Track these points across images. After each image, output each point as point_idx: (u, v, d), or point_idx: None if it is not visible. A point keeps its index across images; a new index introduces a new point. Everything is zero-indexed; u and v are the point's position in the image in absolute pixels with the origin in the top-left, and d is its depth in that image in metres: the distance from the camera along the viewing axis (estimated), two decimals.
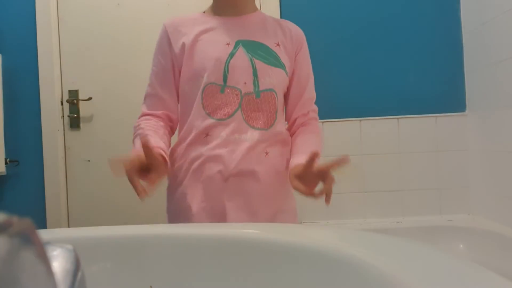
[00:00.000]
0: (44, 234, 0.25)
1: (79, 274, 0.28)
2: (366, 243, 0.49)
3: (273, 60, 1.04)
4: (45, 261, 0.23)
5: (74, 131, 2.15)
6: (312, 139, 1.07)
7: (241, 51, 1.02)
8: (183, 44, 1.03)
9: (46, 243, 0.25)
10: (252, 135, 1.01)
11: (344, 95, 2.08)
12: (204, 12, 1.13)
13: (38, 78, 2.11)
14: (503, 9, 1.73)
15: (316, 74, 2.26)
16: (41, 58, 2.11)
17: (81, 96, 2.14)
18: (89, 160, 2.14)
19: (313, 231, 0.58)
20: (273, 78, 1.03)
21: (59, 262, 0.27)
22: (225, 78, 1.01)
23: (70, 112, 2.13)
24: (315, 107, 1.17)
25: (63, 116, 2.14)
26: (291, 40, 1.09)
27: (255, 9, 1.13)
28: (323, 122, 2.07)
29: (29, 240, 0.22)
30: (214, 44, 1.02)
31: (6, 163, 2.08)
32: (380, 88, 2.08)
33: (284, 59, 1.06)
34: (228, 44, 1.02)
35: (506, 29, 1.72)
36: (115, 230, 0.59)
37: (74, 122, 2.14)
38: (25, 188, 2.13)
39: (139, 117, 1.08)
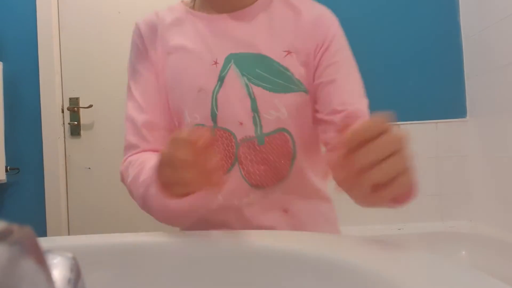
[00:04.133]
0: (44, 242, 0.25)
1: (80, 282, 0.28)
2: (367, 250, 0.48)
3: (281, 81, 0.72)
4: (45, 269, 0.23)
5: (75, 139, 2.15)
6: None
7: (233, 73, 0.72)
8: (161, 53, 0.77)
9: (46, 251, 0.25)
10: (255, 199, 0.74)
11: None
12: (182, 2, 0.83)
13: (38, 86, 2.11)
14: (502, 15, 1.73)
15: None
16: (42, 66, 2.11)
17: (81, 103, 2.14)
18: (89, 168, 2.14)
19: (312, 237, 0.58)
20: (284, 112, 0.72)
21: (59, 270, 0.27)
22: (214, 116, 0.72)
23: (71, 120, 2.13)
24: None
25: (63, 123, 2.15)
26: (311, 35, 0.74)
27: None
28: None
29: (29, 248, 0.22)
30: (195, 62, 0.74)
31: (6, 170, 2.08)
32: (380, 94, 2.08)
33: (300, 72, 0.73)
34: (216, 62, 0.73)
35: (505, 35, 1.73)
36: (115, 238, 0.58)
37: (75, 130, 2.15)
38: (26, 196, 2.12)
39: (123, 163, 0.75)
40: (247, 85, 0.72)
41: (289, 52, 0.73)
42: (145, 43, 0.78)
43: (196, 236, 0.59)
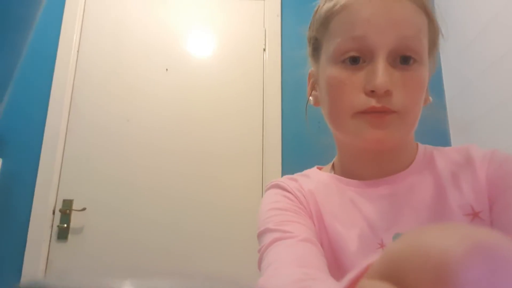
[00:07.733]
0: None
1: None
2: None
3: None
4: None
5: (60, 243, 2.06)
6: None
7: None
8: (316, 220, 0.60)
9: None
10: None
11: None
12: (319, 169, 0.69)
13: (34, 185, 2.08)
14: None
15: None
16: (42, 166, 2.10)
17: (75, 206, 2.10)
18: None
19: None
20: None
21: None
22: None
23: (61, 222, 2.07)
24: None
25: (52, 226, 2.07)
26: (484, 179, 0.56)
27: (410, 151, 0.63)
28: None
29: None
30: (352, 244, 0.56)
31: None
32: None
33: None
34: (381, 245, 0.55)
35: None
36: None
37: (62, 233, 2.06)
38: None
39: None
40: None
41: (473, 214, 0.54)
42: (298, 198, 0.61)
43: None
